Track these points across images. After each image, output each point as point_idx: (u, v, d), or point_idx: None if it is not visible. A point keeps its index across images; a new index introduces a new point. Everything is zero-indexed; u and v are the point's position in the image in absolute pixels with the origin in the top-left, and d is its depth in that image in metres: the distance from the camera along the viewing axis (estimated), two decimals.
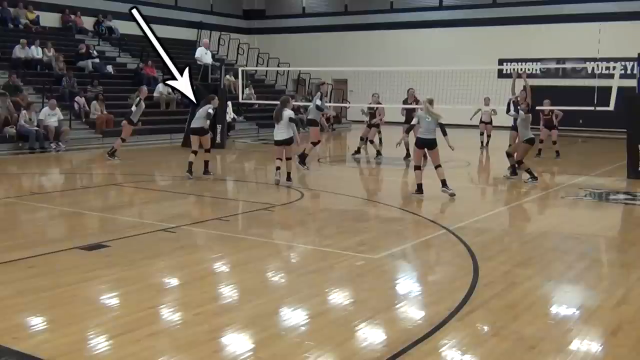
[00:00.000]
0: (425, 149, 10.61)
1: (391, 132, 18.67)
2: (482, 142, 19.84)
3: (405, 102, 16.03)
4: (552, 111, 16.79)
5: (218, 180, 12.78)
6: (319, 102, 14.27)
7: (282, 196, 10.83)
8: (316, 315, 5.10)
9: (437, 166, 10.60)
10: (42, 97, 18.64)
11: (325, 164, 15.74)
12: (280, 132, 11.57)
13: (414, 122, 10.86)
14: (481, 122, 19.94)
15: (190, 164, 12.19)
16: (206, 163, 12.63)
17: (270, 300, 5.41)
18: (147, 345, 4.41)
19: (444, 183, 10.48)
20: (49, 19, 24.79)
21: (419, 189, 10.52)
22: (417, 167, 10.75)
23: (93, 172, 14.80)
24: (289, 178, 11.61)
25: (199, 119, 12.67)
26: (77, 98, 19.25)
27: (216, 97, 13.26)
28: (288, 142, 11.56)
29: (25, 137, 16.62)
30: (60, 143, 17.17)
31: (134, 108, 15.24)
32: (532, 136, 12.35)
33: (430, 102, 10.61)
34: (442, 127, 10.57)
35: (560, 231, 8.46)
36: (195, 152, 12.40)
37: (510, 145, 14.58)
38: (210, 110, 12.56)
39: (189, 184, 11.80)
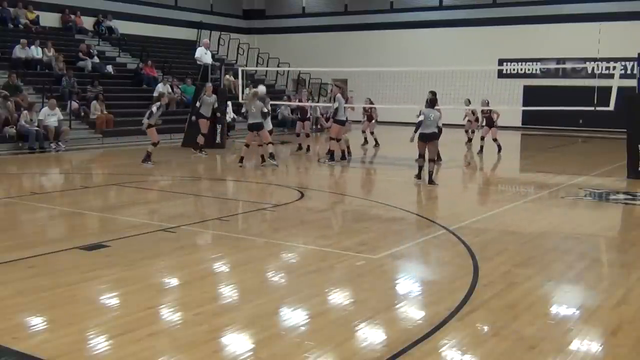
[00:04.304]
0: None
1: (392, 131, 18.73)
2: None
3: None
4: (490, 110, 17.78)
5: (218, 180, 12.77)
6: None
7: (282, 196, 10.83)
8: (316, 315, 5.10)
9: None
10: (42, 97, 18.64)
11: (325, 164, 15.72)
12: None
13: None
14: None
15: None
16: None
17: (270, 300, 5.41)
18: (147, 345, 4.41)
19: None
20: (49, 19, 24.79)
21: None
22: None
23: (93, 172, 14.81)
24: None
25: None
26: (73, 98, 19.22)
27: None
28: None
29: (25, 137, 16.62)
30: (60, 143, 17.18)
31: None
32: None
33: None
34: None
35: (560, 231, 8.45)
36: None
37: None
38: (265, 110, 14.04)
39: (189, 184, 11.81)
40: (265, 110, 14.07)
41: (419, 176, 12.18)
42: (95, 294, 5.58)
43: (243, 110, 14.65)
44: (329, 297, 5.62)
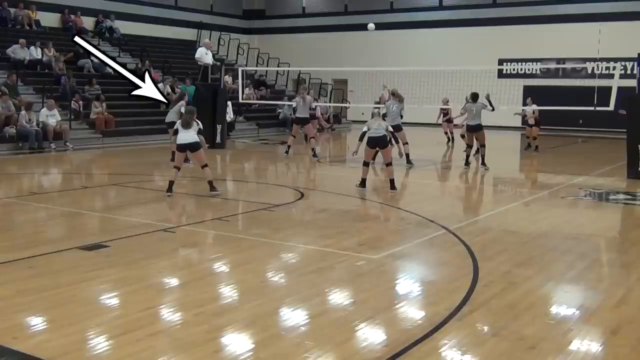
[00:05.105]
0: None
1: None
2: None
3: None
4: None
5: (218, 181, 12.73)
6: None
7: (282, 196, 10.83)
8: (316, 315, 5.10)
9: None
10: (42, 97, 18.62)
11: (325, 164, 15.73)
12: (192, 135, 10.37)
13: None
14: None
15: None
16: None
17: (270, 300, 5.41)
18: (147, 345, 4.41)
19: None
20: (49, 19, 24.77)
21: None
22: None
23: (93, 172, 14.81)
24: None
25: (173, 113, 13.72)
26: (75, 96, 19.20)
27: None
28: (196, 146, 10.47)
29: (25, 137, 16.62)
30: (67, 143, 17.23)
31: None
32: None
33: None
34: None
35: (560, 231, 8.45)
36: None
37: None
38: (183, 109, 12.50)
39: (189, 184, 11.80)
40: (313, 106, 14.76)
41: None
42: (95, 294, 5.58)
43: (293, 104, 15.21)
44: (329, 297, 5.62)
